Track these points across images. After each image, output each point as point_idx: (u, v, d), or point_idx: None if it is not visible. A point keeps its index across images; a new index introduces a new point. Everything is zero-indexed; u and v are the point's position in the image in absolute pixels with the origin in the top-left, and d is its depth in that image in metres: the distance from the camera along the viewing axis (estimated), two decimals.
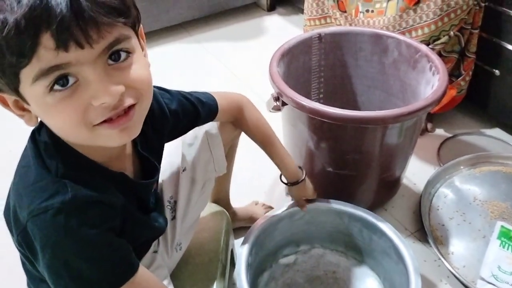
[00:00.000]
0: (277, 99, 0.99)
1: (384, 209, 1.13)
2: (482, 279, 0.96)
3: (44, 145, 0.54)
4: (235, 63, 1.74)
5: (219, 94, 0.79)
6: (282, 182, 0.91)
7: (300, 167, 0.90)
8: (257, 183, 1.20)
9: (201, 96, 0.76)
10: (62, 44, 0.44)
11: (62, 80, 0.46)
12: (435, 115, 1.35)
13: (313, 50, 1.15)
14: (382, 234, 0.88)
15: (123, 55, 0.49)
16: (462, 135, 1.35)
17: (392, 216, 1.12)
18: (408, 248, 0.84)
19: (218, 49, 1.82)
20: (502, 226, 1.06)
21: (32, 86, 0.46)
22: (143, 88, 0.52)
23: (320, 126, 0.96)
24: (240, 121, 0.83)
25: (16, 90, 0.48)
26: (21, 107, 0.51)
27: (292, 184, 0.89)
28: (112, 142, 0.52)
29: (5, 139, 1.34)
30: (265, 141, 0.85)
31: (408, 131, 0.98)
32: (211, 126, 0.83)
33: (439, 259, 1.00)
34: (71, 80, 0.46)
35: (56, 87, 0.46)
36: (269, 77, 0.99)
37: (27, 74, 0.45)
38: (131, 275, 0.55)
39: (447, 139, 1.34)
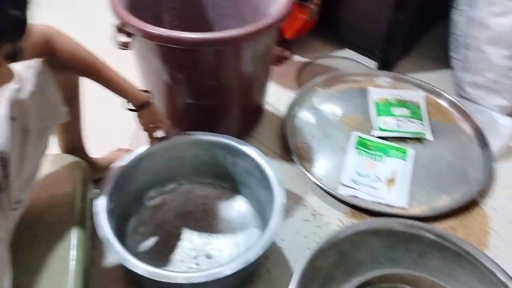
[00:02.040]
0: (121, 30, 0.90)
1: (252, 137, 1.14)
2: (343, 185, 1.03)
3: None
4: None
5: None
6: (128, 109, 0.83)
7: (145, 91, 0.84)
8: (119, 129, 1.12)
9: None
10: None
11: None
12: (292, 42, 1.38)
13: None
14: (245, 156, 0.88)
15: None
16: (318, 59, 1.41)
17: (260, 142, 1.13)
18: (269, 164, 0.85)
19: None
20: (358, 136, 1.14)
21: None
22: None
23: (172, 55, 0.90)
24: (51, 55, 0.71)
25: None
26: None
27: (138, 108, 0.82)
28: None
29: None
30: (89, 70, 0.76)
31: (261, 57, 0.98)
32: (36, 64, 0.71)
33: (305, 174, 1.04)
34: None
35: None
36: (110, 6, 0.89)
37: None
38: None
39: (305, 64, 1.38)
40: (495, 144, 1.11)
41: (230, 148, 0.89)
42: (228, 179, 0.95)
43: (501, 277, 0.74)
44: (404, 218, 0.85)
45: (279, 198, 0.79)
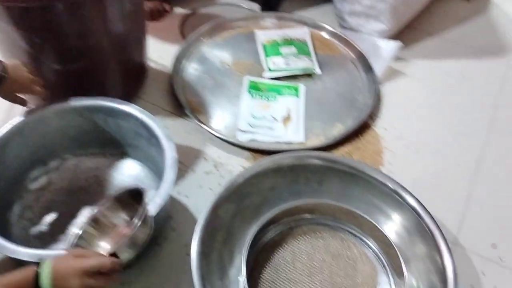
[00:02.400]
0: None
1: (139, 98, 1.07)
2: (241, 130, 1.01)
3: None
4: None
5: None
6: None
7: None
8: None
9: None
10: None
11: None
12: None
13: None
14: (127, 116, 0.82)
15: None
16: (200, 8, 1.34)
17: (149, 101, 1.07)
18: (154, 120, 0.80)
19: None
20: (249, 80, 1.12)
21: None
22: None
23: (23, 17, 0.79)
24: None
25: None
26: None
27: None
28: None
29: None
30: None
31: (131, 13, 0.91)
32: None
33: (201, 127, 1.00)
34: None
35: None
36: None
37: None
38: None
39: (187, 15, 1.32)
40: (378, 67, 1.15)
41: (109, 110, 0.82)
42: (117, 144, 0.88)
43: (392, 187, 0.78)
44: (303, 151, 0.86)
45: (169, 153, 0.75)
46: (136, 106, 0.82)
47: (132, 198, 0.64)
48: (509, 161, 1.01)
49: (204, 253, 0.70)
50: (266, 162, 0.82)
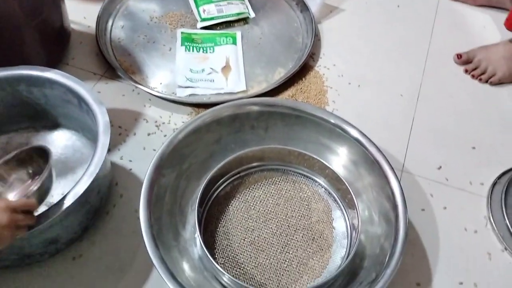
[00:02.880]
0: None
1: (66, 64, 0.99)
2: (180, 86, 0.97)
3: None
4: None
5: None
6: None
7: None
8: None
9: None
10: None
11: None
12: None
13: None
14: (52, 83, 0.75)
15: None
16: None
17: (76, 67, 0.99)
18: (81, 84, 0.74)
19: None
20: (182, 32, 1.06)
21: None
22: None
23: None
24: None
25: None
26: None
27: None
28: None
29: None
30: None
31: None
32: None
33: (137, 87, 0.95)
34: None
35: None
36: None
37: None
38: None
39: None
40: (314, 6, 1.12)
41: (31, 80, 0.75)
42: (47, 116, 0.82)
43: (334, 122, 0.78)
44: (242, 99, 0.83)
45: (100, 117, 0.70)
46: (60, 72, 0.75)
47: (38, 156, 0.67)
48: (447, 87, 1.03)
49: (154, 216, 0.68)
50: (206, 115, 0.78)
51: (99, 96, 0.73)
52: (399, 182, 0.71)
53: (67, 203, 0.62)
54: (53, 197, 0.76)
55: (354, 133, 0.76)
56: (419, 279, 0.74)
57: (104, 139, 0.67)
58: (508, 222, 0.78)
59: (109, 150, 0.86)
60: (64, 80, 0.75)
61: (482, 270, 0.76)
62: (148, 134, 0.90)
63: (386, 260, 0.64)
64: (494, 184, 0.86)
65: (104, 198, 0.77)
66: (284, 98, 0.96)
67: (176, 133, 0.74)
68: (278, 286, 0.70)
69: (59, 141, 0.84)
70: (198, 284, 0.67)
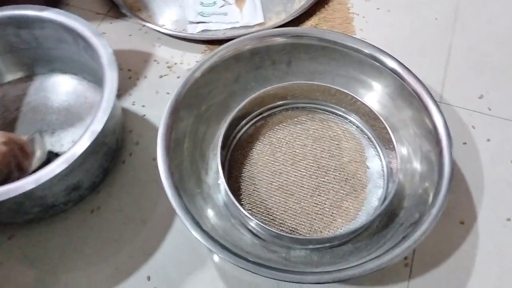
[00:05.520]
0: None
1: (66, 5, 0.91)
2: (191, 22, 0.88)
3: None
4: None
5: None
6: None
7: None
8: None
9: None
10: None
11: None
12: None
13: None
14: (41, 22, 0.66)
15: None
16: None
17: (78, 7, 0.91)
18: (74, 18, 0.66)
19: None
20: None
21: None
22: None
23: None
24: None
25: None
26: None
27: None
28: None
29: None
30: None
31: None
32: None
33: (144, 25, 0.87)
34: None
35: None
36: None
37: None
38: None
39: None
40: None
41: (18, 21, 0.67)
42: (42, 61, 0.74)
43: (368, 52, 0.69)
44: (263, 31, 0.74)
45: (102, 50, 0.62)
46: (50, 8, 0.67)
47: None
48: (486, 8, 0.92)
49: (173, 163, 0.62)
50: (223, 50, 0.70)
51: (95, 28, 0.65)
52: (442, 114, 0.63)
53: (85, 144, 0.56)
54: (64, 145, 0.71)
55: (391, 63, 0.68)
56: (462, 217, 0.69)
57: (111, 72, 0.60)
58: None
59: (119, 96, 0.80)
60: (55, 16, 0.66)
61: None
62: (160, 77, 0.83)
63: (431, 199, 0.58)
64: None
65: (119, 140, 0.72)
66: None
67: (191, 72, 0.67)
68: (310, 230, 0.65)
69: (59, 88, 0.77)
70: (226, 231, 0.63)
